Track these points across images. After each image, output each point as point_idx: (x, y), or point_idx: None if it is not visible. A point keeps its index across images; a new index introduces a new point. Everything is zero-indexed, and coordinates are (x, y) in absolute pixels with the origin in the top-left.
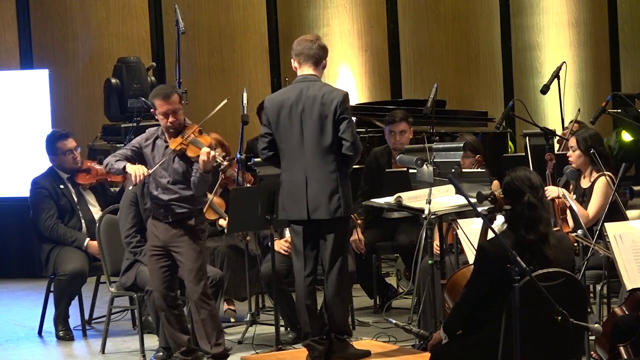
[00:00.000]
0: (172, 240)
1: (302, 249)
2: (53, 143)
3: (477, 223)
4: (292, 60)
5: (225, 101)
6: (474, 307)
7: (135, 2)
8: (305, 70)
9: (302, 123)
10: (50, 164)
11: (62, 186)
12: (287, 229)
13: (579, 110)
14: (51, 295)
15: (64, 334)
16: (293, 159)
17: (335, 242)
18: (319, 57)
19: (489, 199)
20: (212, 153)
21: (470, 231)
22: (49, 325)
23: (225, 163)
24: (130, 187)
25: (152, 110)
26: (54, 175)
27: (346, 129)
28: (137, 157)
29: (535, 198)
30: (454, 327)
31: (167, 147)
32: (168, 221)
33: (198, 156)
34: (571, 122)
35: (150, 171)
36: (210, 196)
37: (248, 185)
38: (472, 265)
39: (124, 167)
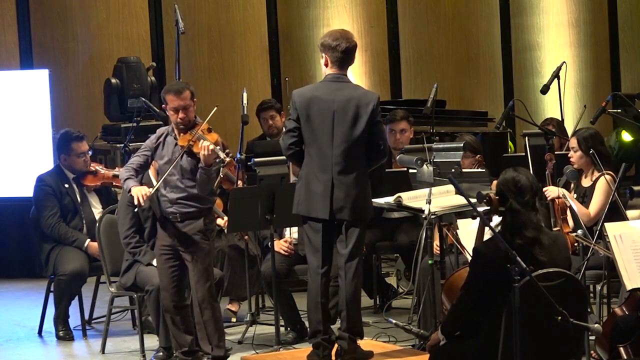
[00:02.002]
0: (181, 240)
1: (320, 246)
2: (68, 143)
3: (475, 224)
4: (322, 55)
5: (215, 109)
6: (471, 308)
7: (135, 2)
8: (336, 70)
9: (334, 123)
10: (53, 163)
11: (66, 185)
12: (287, 229)
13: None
14: (51, 295)
15: (64, 334)
16: (319, 157)
17: (356, 242)
18: (351, 60)
19: (485, 200)
20: (212, 147)
21: (469, 232)
22: (49, 325)
23: (228, 159)
24: (136, 210)
25: (163, 105)
26: (59, 173)
27: (379, 132)
28: (151, 162)
29: (519, 203)
30: (451, 328)
31: (176, 144)
32: (177, 220)
33: None
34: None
35: (152, 191)
36: None
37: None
38: (469, 267)
39: (129, 190)
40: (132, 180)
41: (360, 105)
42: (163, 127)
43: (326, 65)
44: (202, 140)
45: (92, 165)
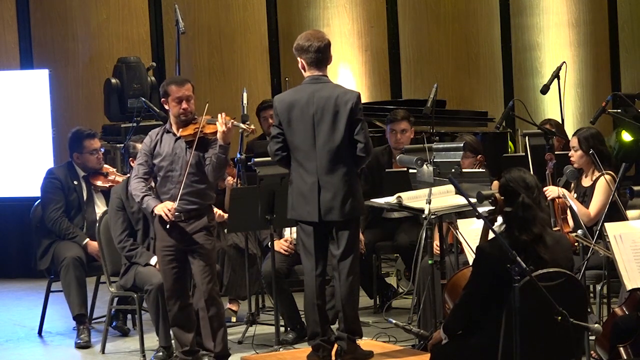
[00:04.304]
0: (184, 238)
1: (313, 249)
2: (80, 141)
3: (476, 223)
4: (298, 59)
5: (207, 105)
6: (474, 308)
7: (135, 2)
8: (314, 71)
9: (315, 125)
10: (53, 163)
11: (75, 182)
12: (287, 229)
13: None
14: (51, 295)
15: (84, 343)
16: (304, 161)
17: (348, 242)
18: (327, 59)
19: (490, 200)
20: (231, 120)
21: (469, 232)
22: (49, 325)
23: (253, 127)
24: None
25: (163, 100)
26: (71, 169)
27: (360, 130)
28: (153, 165)
29: (530, 199)
30: (453, 327)
31: (176, 139)
32: (181, 220)
33: (216, 132)
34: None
35: (175, 205)
36: None
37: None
38: (472, 266)
39: (152, 211)
40: (151, 198)
41: (340, 104)
42: (156, 129)
43: (303, 69)
44: (218, 118)
45: (105, 167)
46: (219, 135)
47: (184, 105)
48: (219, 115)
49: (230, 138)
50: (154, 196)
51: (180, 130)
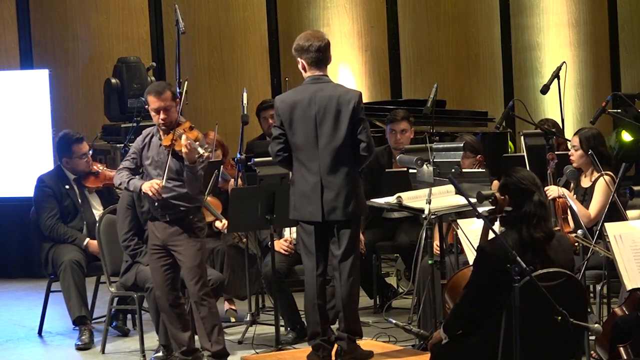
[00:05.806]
0: (171, 239)
1: (314, 249)
2: (69, 146)
3: (477, 223)
4: (298, 60)
5: (186, 82)
6: (474, 307)
7: (135, 2)
8: (315, 71)
9: (317, 125)
10: (53, 163)
11: (67, 186)
12: (286, 229)
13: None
14: (51, 295)
15: (84, 345)
16: (307, 161)
17: (349, 242)
18: (327, 58)
19: (490, 200)
20: (192, 143)
21: (469, 231)
22: (49, 325)
23: (206, 154)
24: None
25: (145, 106)
26: (60, 174)
27: (362, 130)
28: (140, 164)
29: (543, 197)
30: (454, 327)
31: (160, 144)
32: (166, 220)
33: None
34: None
35: (163, 182)
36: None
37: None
38: (472, 266)
39: (140, 189)
40: (136, 179)
41: (341, 104)
42: (148, 129)
43: (304, 69)
44: (182, 138)
45: (93, 165)
46: (183, 154)
47: (162, 115)
48: (183, 136)
49: (194, 158)
50: (139, 178)
51: (164, 137)
